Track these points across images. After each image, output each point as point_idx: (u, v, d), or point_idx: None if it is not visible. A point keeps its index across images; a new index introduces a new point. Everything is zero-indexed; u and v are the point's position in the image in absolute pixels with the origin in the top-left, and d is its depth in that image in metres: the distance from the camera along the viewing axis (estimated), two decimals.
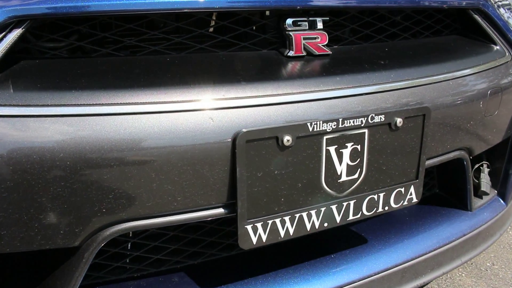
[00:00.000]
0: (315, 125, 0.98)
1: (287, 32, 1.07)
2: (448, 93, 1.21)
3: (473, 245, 1.47)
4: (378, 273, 1.23)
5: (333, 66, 1.09)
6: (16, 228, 0.83)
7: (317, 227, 1.07)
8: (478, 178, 1.55)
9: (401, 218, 1.44)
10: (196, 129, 0.89)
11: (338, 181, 1.06)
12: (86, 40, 0.98)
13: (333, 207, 1.07)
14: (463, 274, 1.84)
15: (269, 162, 0.96)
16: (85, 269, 0.93)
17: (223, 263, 1.21)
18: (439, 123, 1.20)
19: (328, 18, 1.12)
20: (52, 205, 0.84)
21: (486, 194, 1.55)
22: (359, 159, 1.07)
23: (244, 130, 0.91)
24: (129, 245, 1.12)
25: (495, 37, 1.43)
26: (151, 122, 0.87)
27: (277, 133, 0.95)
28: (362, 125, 1.04)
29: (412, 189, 1.19)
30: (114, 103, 0.85)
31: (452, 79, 1.23)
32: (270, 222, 1.00)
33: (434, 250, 1.34)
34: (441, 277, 1.79)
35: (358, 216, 1.12)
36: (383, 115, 1.07)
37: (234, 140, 0.91)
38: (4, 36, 0.83)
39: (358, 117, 1.03)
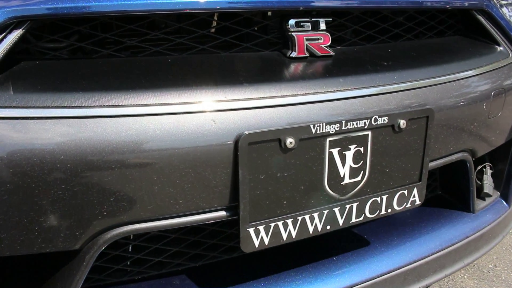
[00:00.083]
0: (318, 127, 0.98)
1: (289, 33, 1.06)
2: (451, 95, 1.20)
3: (476, 247, 1.46)
4: (381, 276, 1.22)
5: (336, 68, 1.08)
6: (16, 231, 0.83)
7: (319, 230, 1.06)
8: (481, 179, 1.55)
9: (403, 220, 1.43)
10: (198, 131, 0.88)
11: (341, 183, 1.05)
12: (87, 41, 0.97)
13: (336, 210, 1.06)
14: (465, 276, 1.83)
15: (272, 165, 0.95)
16: (85, 272, 0.92)
17: (224, 266, 1.20)
18: (442, 125, 1.19)
19: (331, 19, 1.11)
20: (53, 208, 0.83)
21: (489, 195, 1.54)
22: (362, 161, 1.06)
23: (246, 132, 0.90)
24: (130, 248, 1.11)
25: (498, 38, 1.42)
26: (152, 124, 0.86)
27: (280, 135, 0.94)
28: (365, 127, 1.04)
29: (415, 192, 1.18)
30: (115, 105, 0.85)
31: (455, 80, 1.22)
32: (272, 225, 0.99)
33: (437, 252, 1.34)
34: (443, 279, 1.78)
35: (361, 218, 1.11)
36: (387, 117, 1.06)
37: (236, 142, 0.90)
38: (4, 37, 0.82)
39: (361, 119, 1.03)
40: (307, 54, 1.07)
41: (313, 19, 1.08)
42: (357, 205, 1.09)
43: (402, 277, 1.27)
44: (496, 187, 1.60)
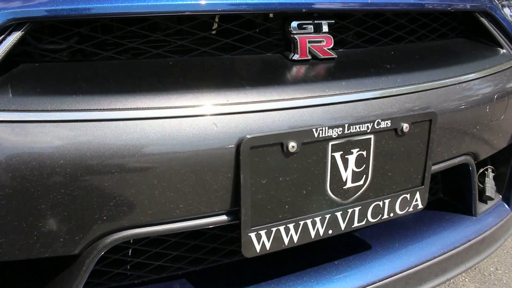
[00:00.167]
0: (321, 131, 0.97)
1: (292, 35, 1.05)
2: (454, 98, 1.19)
3: (478, 250, 1.46)
4: (382, 280, 1.21)
5: (339, 70, 1.07)
6: (15, 235, 0.82)
7: (321, 234, 1.05)
8: (483, 182, 1.54)
9: (405, 224, 1.43)
10: (199, 135, 0.87)
11: (343, 187, 1.04)
12: (87, 42, 0.96)
13: (338, 214, 1.05)
14: (467, 279, 1.82)
15: (274, 169, 0.94)
16: (85, 277, 0.91)
17: (225, 270, 1.19)
18: (445, 128, 1.18)
19: (333, 21, 1.10)
20: (52, 212, 0.82)
21: (491, 199, 1.53)
22: (364, 165, 1.05)
23: (248, 136, 0.89)
24: (130, 252, 1.10)
25: (501, 40, 1.41)
26: (153, 127, 0.85)
27: (282, 139, 0.93)
28: (368, 130, 1.03)
29: (417, 195, 1.17)
30: (116, 108, 0.83)
31: (458, 83, 1.21)
32: (274, 229, 0.98)
33: (439, 256, 1.33)
34: (444, 283, 1.77)
35: (363, 223, 1.10)
36: (389, 121, 1.05)
37: (238, 146, 0.89)
38: (4, 39, 0.81)
39: (364, 123, 1.02)
40: (309, 57, 1.06)
41: (315, 21, 1.07)
42: (359, 209, 1.08)
43: (404, 281, 1.26)
44: (498, 190, 1.60)
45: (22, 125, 0.78)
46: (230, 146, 0.90)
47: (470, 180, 1.42)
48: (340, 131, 0.99)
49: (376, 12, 1.24)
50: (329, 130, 0.98)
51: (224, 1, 0.94)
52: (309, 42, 1.06)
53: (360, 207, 1.08)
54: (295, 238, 1.02)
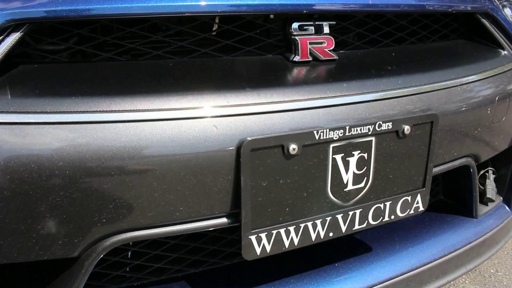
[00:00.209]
0: (322, 133, 0.96)
1: (292, 37, 1.04)
2: (455, 100, 1.19)
3: (478, 252, 1.45)
4: (383, 282, 1.21)
5: (340, 72, 1.07)
6: (14, 238, 0.81)
7: (322, 237, 1.05)
8: (484, 184, 1.53)
9: (405, 225, 1.42)
10: (200, 137, 0.87)
11: (344, 190, 1.03)
12: (87, 43, 0.95)
13: (339, 217, 1.05)
14: (467, 281, 1.82)
15: (274, 171, 0.94)
16: (84, 280, 0.91)
17: (224, 271, 1.18)
18: (446, 130, 1.17)
19: (334, 22, 1.09)
20: (51, 215, 0.81)
21: (492, 201, 1.52)
22: (365, 167, 1.04)
23: (249, 138, 0.89)
24: (129, 254, 1.09)
25: (502, 41, 1.41)
26: (153, 129, 0.84)
27: (283, 141, 0.92)
28: (369, 133, 1.02)
29: (418, 198, 1.17)
30: (115, 110, 0.83)
31: (459, 85, 1.21)
32: (274, 232, 0.98)
33: (439, 258, 1.32)
34: (445, 285, 1.77)
35: (364, 225, 1.10)
36: (391, 123, 1.04)
37: (238, 148, 0.89)
38: (2, 40, 0.81)
39: (365, 125, 1.01)
40: (310, 58, 1.06)
41: (316, 23, 1.06)
42: (360, 211, 1.08)
43: (405, 284, 1.26)
44: (499, 192, 1.59)
45: (21, 127, 0.78)
46: (231, 148, 0.89)
47: (471, 182, 1.42)
48: (341, 133, 0.98)
49: (377, 13, 1.23)
50: (330, 132, 0.97)
51: (225, 2, 0.93)
52: (310, 43, 1.05)
53: (361, 209, 1.08)
54: (296, 241, 1.01)
